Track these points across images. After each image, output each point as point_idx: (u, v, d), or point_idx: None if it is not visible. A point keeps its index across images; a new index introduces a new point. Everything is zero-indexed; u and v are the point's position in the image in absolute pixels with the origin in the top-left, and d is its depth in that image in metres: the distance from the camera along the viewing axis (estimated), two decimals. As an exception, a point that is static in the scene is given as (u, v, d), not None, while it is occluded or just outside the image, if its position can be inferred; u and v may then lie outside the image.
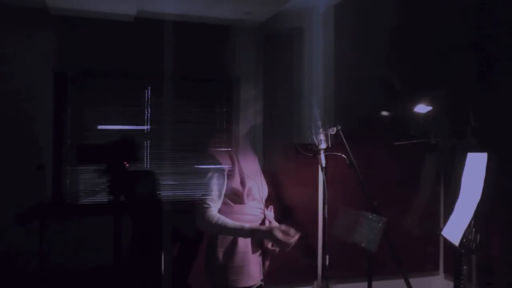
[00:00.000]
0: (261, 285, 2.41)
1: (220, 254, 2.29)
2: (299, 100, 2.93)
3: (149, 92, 2.99)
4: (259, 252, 2.39)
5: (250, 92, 2.45)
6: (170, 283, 2.89)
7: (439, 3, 3.03)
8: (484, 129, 2.75)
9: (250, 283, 2.32)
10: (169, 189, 2.98)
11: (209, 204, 2.23)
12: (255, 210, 2.35)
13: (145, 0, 2.68)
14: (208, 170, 2.27)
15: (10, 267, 2.65)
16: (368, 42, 3.15)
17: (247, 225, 2.22)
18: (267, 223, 2.38)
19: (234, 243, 2.29)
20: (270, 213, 2.44)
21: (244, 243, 2.31)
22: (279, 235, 2.15)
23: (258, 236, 2.29)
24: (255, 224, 2.34)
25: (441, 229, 2.30)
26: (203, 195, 2.24)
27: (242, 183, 2.32)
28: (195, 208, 2.27)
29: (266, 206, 2.43)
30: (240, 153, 2.38)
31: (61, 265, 2.70)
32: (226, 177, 2.29)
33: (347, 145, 2.42)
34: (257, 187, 2.39)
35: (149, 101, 2.99)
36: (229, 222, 2.22)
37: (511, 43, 2.71)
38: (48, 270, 2.70)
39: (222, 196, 2.28)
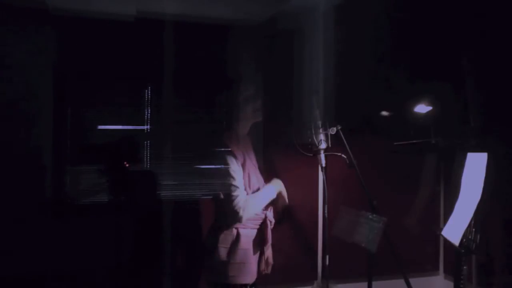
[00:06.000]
0: (255, 283, 2.42)
1: (222, 250, 2.29)
2: (299, 100, 2.93)
3: (149, 92, 2.99)
4: (260, 250, 2.39)
5: (250, 92, 2.45)
6: (171, 282, 2.88)
7: (439, 3, 3.03)
8: (484, 129, 2.75)
9: (248, 281, 2.32)
10: (169, 189, 2.98)
11: (237, 194, 2.24)
12: None
13: (145, 0, 2.68)
14: (223, 167, 2.28)
15: (10, 267, 2.65)
16: (368, 42, 3.15)
17: (271, 185, 2.39)
18: (268, 223, 2.39)
19: (236, 240, 2.29)
20: (270, 213, 2.44)
21: (247, 240, 2.31)
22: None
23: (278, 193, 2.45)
24: (257, 222, 2.36)
25: (441, 229, 2.29)
26: (228, 191, 2.25)
27: (249, 182, 2.33)
28: (223, 208, 2.28)
29: (266, 206, 2.43)
30: (244, 153, 2.39)
31: (61, 266, 2.70)
32: (242, 170, 2.31)
33: (347, 145, 2.42)
34: (259, 187, 2.40)
35: (149, 101, 2.99)
36: (257, 194, 2.32)
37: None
38: (47, 270, 2.70)
39: (243, 186, 2.30)
